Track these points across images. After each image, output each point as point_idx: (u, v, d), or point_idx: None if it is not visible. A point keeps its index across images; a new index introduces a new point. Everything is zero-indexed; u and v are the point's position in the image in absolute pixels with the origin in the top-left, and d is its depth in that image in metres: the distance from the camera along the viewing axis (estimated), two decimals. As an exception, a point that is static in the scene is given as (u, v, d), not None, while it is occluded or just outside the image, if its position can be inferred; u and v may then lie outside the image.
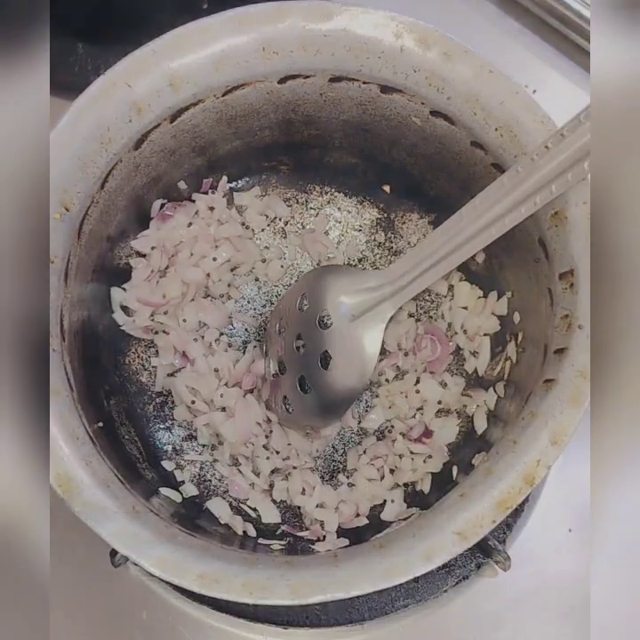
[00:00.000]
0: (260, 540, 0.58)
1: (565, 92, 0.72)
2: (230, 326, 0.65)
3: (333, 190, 0.67)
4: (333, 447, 0.63)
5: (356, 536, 0.57)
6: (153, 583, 0.64)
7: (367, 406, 0.64)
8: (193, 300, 0.63)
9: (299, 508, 0.61)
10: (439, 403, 0.62)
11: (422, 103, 0.53)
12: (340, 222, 0.67)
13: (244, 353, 0.63)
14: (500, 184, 0.49)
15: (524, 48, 0.73)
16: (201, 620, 0.64)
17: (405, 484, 0.62)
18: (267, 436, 0.61)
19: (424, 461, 0.61)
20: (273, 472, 0.61)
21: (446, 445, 0.62)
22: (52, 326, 0.50)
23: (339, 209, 0.67)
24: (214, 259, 0.63)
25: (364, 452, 0.62)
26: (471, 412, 0.62)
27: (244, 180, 0.66)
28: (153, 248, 0.62)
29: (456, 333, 0.63)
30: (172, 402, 0.63)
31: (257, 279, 0.66)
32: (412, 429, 0.61)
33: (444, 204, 0.61)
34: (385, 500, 0.61)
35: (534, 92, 0.65)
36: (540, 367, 0.51)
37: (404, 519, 0.56)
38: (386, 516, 0.60)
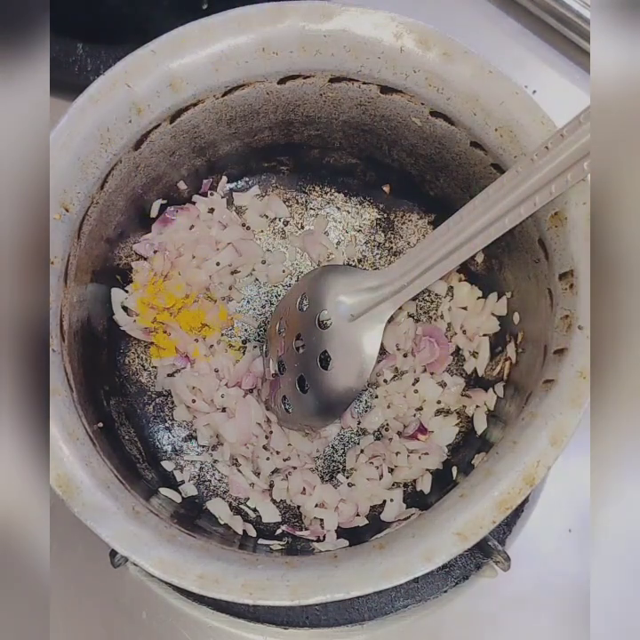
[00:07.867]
0: (260, 541, 0.58)
1: (565, 92, 0.72)
2: (230, 327, 0.65)
3: (333, 191, 0.67)
4: (333, 447, 0.63)
5: (355, 537, 0.57)
6: (153, 583, 0.64)
7: (367, 407, 0.64)
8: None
9: (298, 507, 0.61)
10: (438, 403, 0.62)
11: (422, 103, 0.53)
12: (339, 223, 0.66)
13: (243, 353, 0.63)
14: (499, 185, 0.49)
15: (524, 48, 0.73)
16: (201, 620, 0.64)
17: (405, 485, 0.62)
18: (267, 437, 0.62)
19: (419, 458, 0.61)
20: (273, 472, 0.61)
21: (446, 445, 0.62)
22: (52, 326, 0.50)
23: (338, 209, 0.67)
24: (217, 263, 0.63)
25: (362, 451, 0.62)
26: (471, 412, 0.62)
27: (243, 181, 0.66)
28: (155, 251, 0.62)
29: (455, 334, 0.63)
30: (172, 402, 0.63)
31: (257, 280, 0.66)
32: (408, 427, 0.62)
33: (443, 205, 0.61)
34: (384, 500, 0.61)
35: (534, 92, 0.66)
36: (539, 368, 0.51)
37: (404, 519, 0.56)
38: (385, 516, 0.60)
